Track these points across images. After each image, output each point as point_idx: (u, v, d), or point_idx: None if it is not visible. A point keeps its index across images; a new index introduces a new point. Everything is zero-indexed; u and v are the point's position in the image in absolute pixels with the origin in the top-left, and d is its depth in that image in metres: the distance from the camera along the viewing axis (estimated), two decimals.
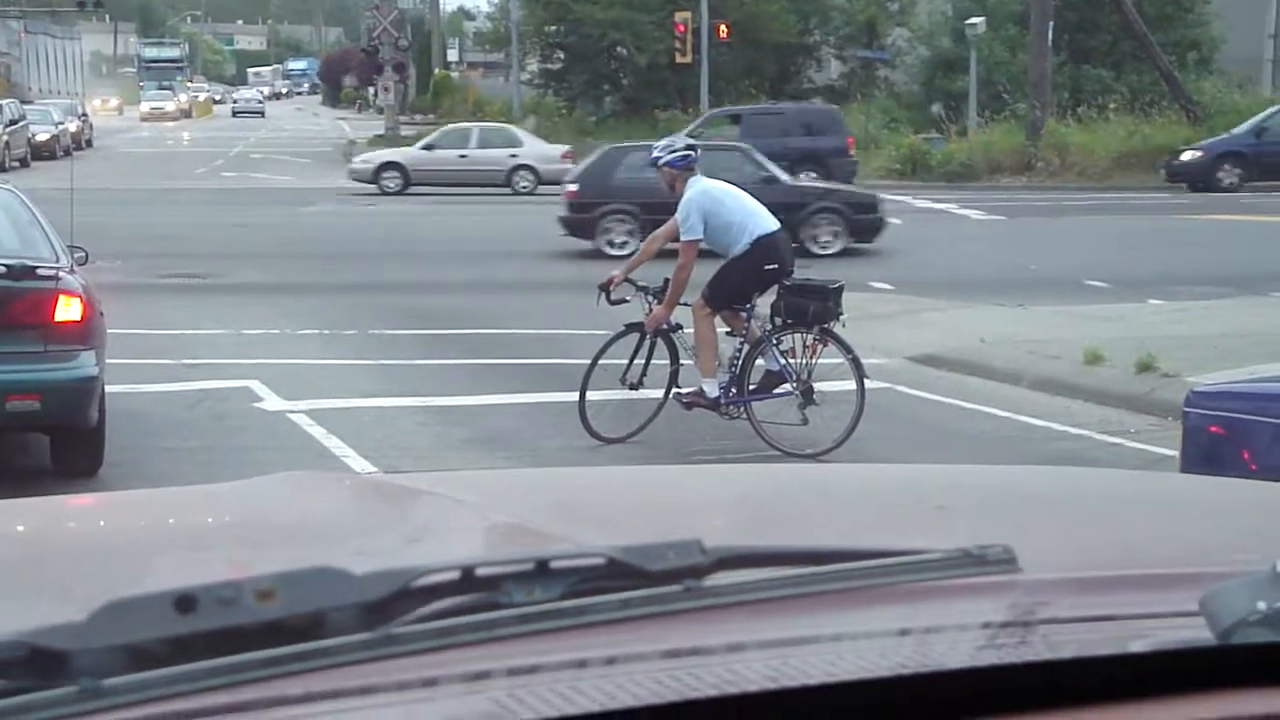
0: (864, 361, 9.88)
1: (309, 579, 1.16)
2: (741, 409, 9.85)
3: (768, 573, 1.31)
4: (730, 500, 2.06)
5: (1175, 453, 6.86)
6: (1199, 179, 30.51)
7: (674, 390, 9.95)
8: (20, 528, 1.94)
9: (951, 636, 1.24)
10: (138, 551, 1.80)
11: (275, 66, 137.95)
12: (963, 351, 13.06)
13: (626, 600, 1.22)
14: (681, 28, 39.55)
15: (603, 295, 9.89)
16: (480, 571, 1.21)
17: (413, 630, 1.16)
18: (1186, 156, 31.27)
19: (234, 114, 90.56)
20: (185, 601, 1.10)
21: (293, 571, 1.16)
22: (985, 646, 1.22)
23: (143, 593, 1.12)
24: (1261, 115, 32.35)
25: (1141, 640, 1.25)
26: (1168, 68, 36.02)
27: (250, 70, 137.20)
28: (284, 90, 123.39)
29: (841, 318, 9.74)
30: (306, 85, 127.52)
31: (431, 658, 1.14)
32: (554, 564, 1.23)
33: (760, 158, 21.49)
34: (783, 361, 9.77)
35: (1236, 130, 32.22)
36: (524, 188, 31.58)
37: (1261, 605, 1.18)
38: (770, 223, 9.88)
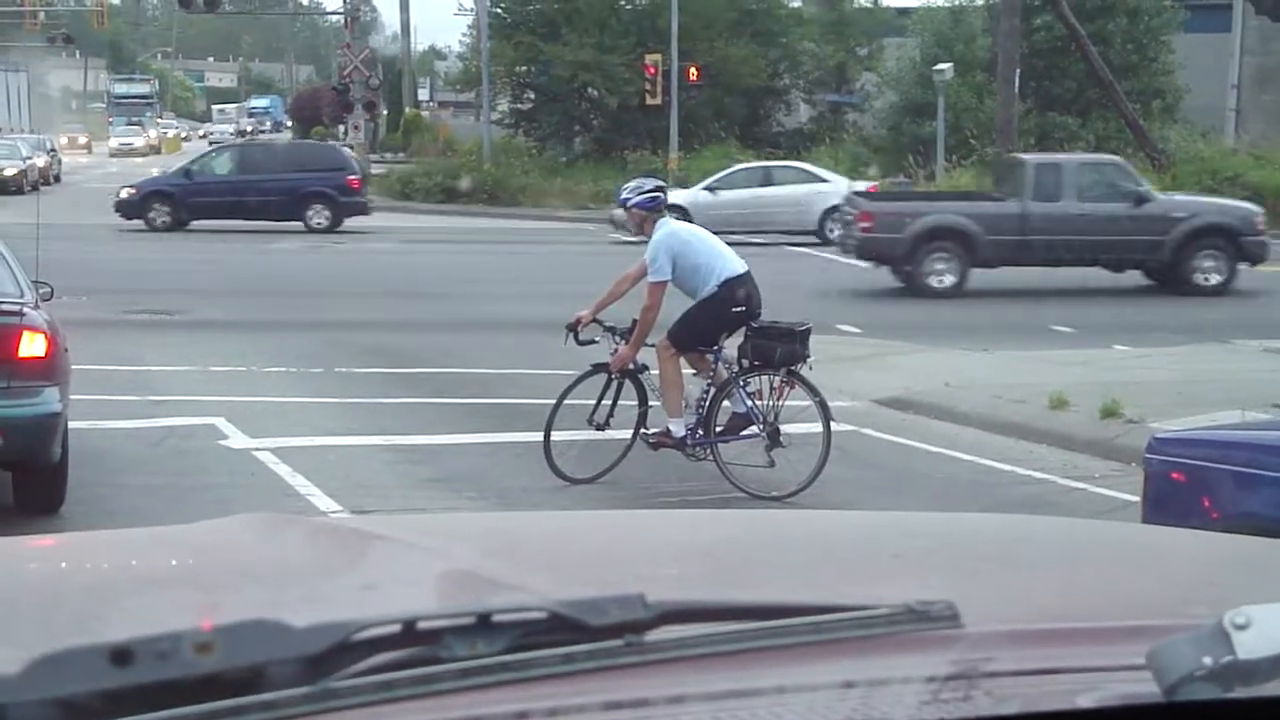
0: (830, 404, 9.90)
1: (248, 631, 1.15)
2: (708, 450, 9.85)
3: (711, 627, 1.30)
4: (685, 548, 2.05)
5: (1138, 498, 6.89)
6: (131, 214, 30.86)
7: (641, 431, 9.95)
8: None
9: (896, 690, 1.23)
10: (87, 596, 1.78)
11: (240, 104, 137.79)
12: (928, 395, 13.10)
13: (568, 655, 1.21)
14: (652, 70, 39.71)
15: (571, 335, 9.89)
16: (421, 625, 1.20)
17: (352, 684, 1.15)
18: (124, 195, 31.59)
19: (210, 144, 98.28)
20: (121, 654, 1.09)
21: (231, 624, 1.15)
22: (930, 701, 1.22)
23: (79, 644, 1.11)
24: (191, 158, 33.31)
25: (1088, 694, 1.25)
26: (1133, 115, 36.32)
27: (215, 107, 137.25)
28: (248, 128, 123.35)
29: (809, 360, 9.76)
30: (269, 123, 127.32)
31: (371, 711, 1.13)
32: (496, 618, 1.22)
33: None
34: (749, 404, 9.78)
35: (169, 170, 33.34)
36: None
37: (1208, 660, 1.18)
38: (738, 265, 9.91)
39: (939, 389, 13.21)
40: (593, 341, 9.94)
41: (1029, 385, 12.97)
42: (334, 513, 8.77)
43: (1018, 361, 14.86)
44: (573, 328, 9.89)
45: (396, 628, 1.19)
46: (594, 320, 9.92)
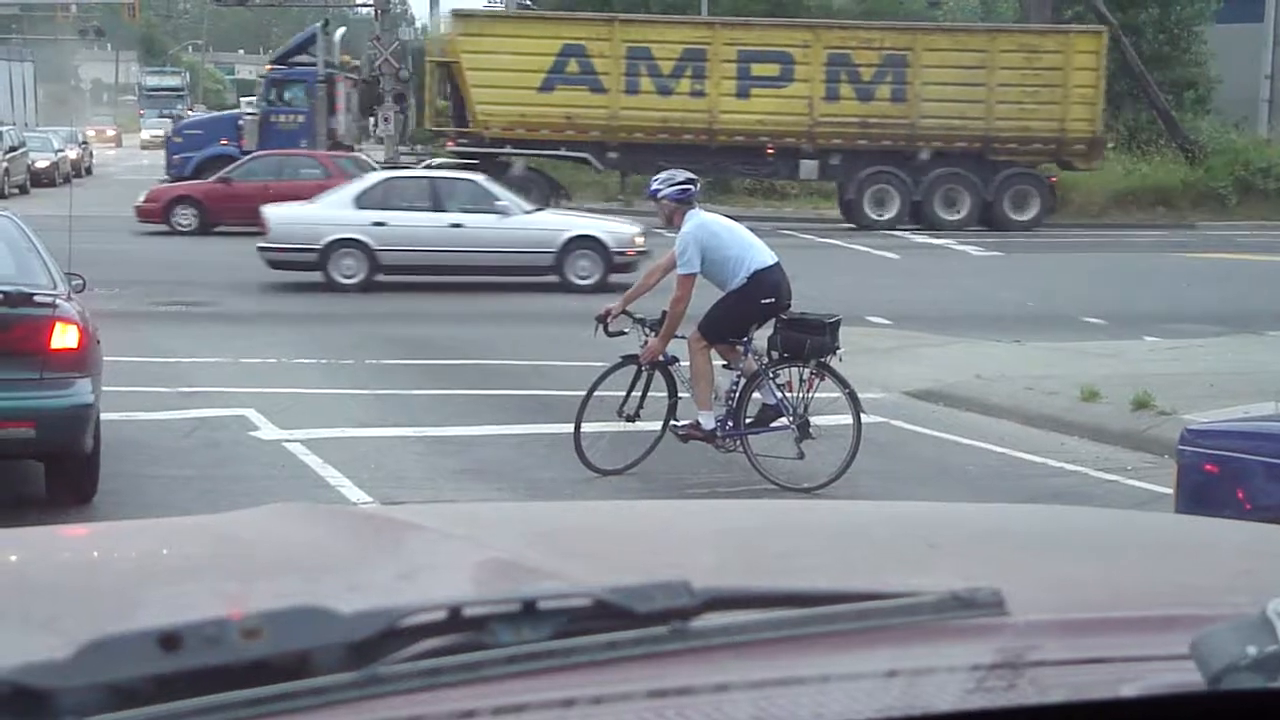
0: (861, 396, 9.88)
1: (295, 617, 1.16)
2: (738, 442, 9.85)
3: (756, 614, 1.30)
4: (722, 537, 2.05)
5: (1171, 490, 6.86)
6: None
7: (671, 423, 9.95)
8: (9, 559, 1.93)
9: (940, 679, 1.23)
10: (126, 584, 1.79)
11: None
12: (959, 387, 13.07)
13: (613, 641, 1.21)
14: None
15: (601, 327, 9.90)
16: (467, 611, 1.20)
17: (399, 670, 1.15)
18: None
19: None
20: (170, 639, 1.09)
21: (279, 610, 1.15)
22: (974, 690, 1.21)
23: (127, 630, 1.11)
24: None
25: (1131, 684, 1.25)
26: (1165, 107, 36.16)
27: (243, 99, 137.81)
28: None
29: (838, 352, 9.75)
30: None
31: (417, 697, 1.13)
32: (541, 604, 1.23)
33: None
34: (779, 395, 9.77)
35: None
36: None
37: (1252, 650, 1.18)
38: (768, 257, 9.89)
39: (970, 381, 13.18)
40: (622, 333, 9.93)
41: (1060, 377, 12.92)
42: (365, 504, 8.80)
43: (1049, 353, 14.81)
44: (602, 319, 9.89)
45: (442, 614, 1.20)
46: (624, 312, 9.92)
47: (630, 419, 9.89)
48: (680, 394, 9.95)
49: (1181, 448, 6.39)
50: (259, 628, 1.13)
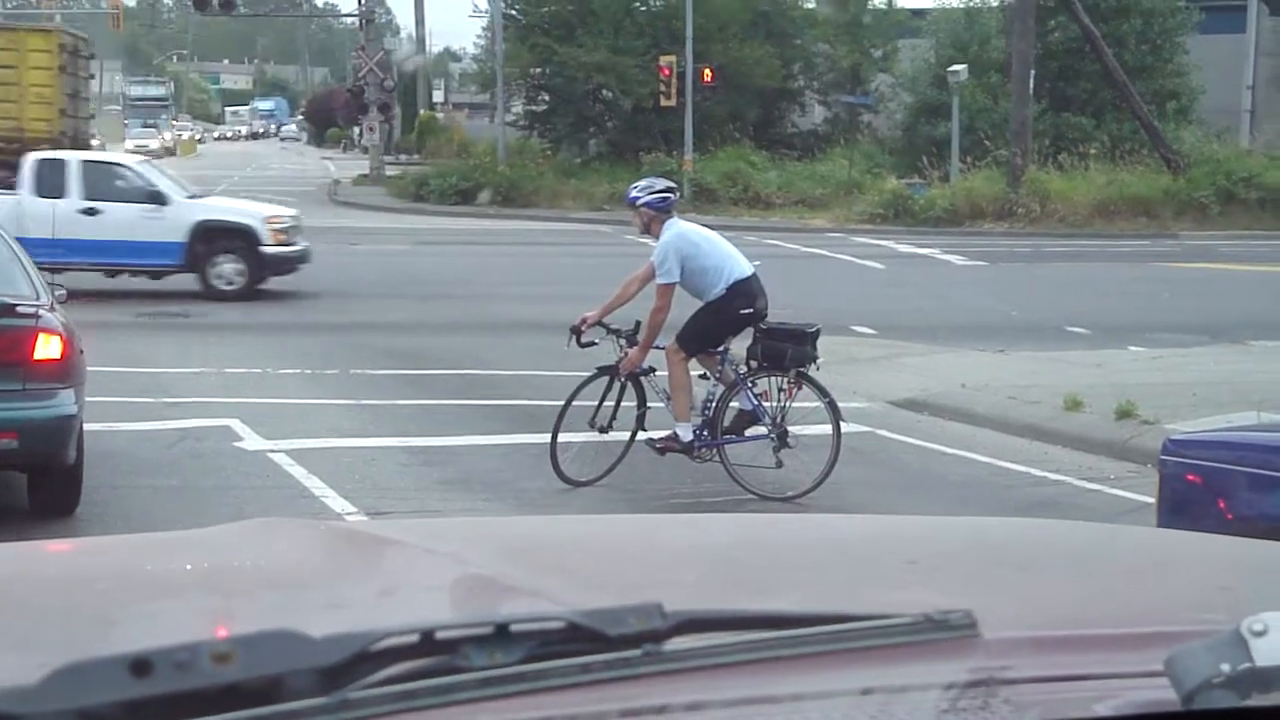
0: (845, 405, 9.88)
1: (267, 641, 1.15)
2: (715, 452, 9.84)
3: (729, 637, 1.30)
4: (699, 553, 2.05)
5: (1154, 500, 6.87)
6: None
7: (646, 436, 9.93)
8: None
9: (914, 698, 1.23)
10: (104, 602, 1.78)
11: (252, 105, 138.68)
12: (944, 396, 13.08)
13: (586, 664, 1.21)
14: (666, 71, 39.66)
15: (574, 337, 9.84)
16: (440, 635, 1.20)
17: (371, 694, 1.15)
18: None
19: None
20: (141, 665, 1.09)
21: (251, 634, 1.15)
22: (948, 709, 1.21)
23: (98, 655, 1.11)
24: None
25: (1106, 702, 1.25)
26: (1147, 117, 36.24)
27: (228, 109, 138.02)
28: (260, 130, 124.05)
29: (817, 361, 9.75)
30: (274, 125, 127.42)
31: None
32: (514, 627, 1.22)
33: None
34: (755, 402, 9.77)
35: None
36: None
37: (1225, 667, 1.18)
38: (745, 267, 9.89)
39: (954, 390, 13.20)
40: (593, 344, 9.90)
41: (1044, 386, 12.95)
42: (349, 515, 8.79)
43: (1033, 362, 14.84)
44: (576, 330, 9.84)
45: (414, 637, 1.20)
46: (598, 323, 9.87)
47: (603, 430, 9.86)
48: (651, 404, 9.92)
49: (1164, 457, 6.41)
50: (230, 652, 1.12)
